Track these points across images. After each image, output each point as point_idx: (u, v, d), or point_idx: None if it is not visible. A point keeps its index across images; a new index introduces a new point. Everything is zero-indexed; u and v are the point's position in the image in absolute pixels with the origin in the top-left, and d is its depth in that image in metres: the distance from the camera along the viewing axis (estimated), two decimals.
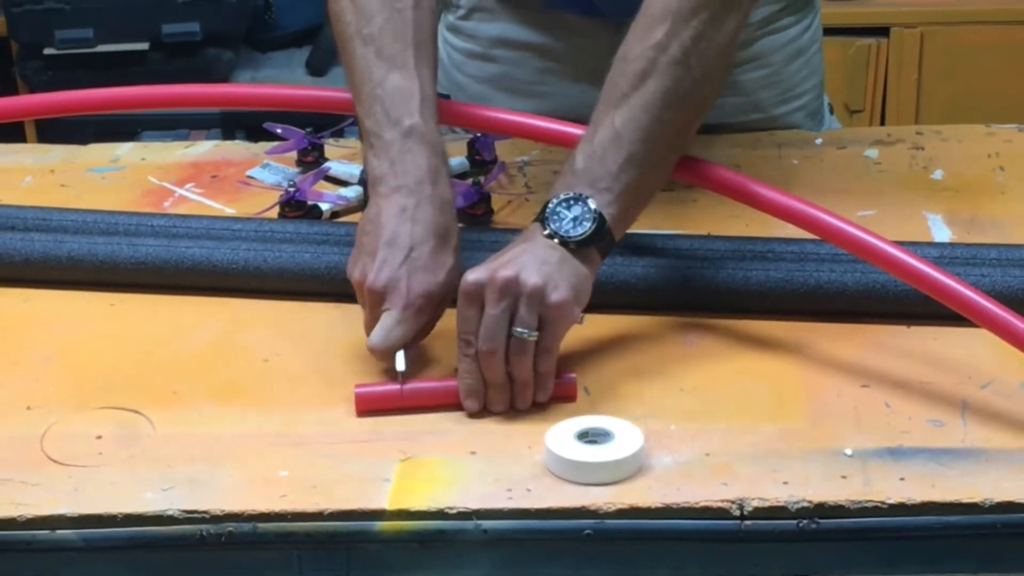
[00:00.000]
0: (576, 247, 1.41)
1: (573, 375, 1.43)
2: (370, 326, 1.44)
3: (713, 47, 1.47)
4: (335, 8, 1.59)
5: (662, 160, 1.48)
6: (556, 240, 1.41)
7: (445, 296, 1.45)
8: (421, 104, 1.50)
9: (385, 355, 1.43)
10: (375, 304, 1.44)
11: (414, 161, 1.47)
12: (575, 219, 1.41)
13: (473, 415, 1.40)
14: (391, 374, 1.43)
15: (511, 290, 1.37)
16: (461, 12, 1.94)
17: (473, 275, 1.39)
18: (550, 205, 1.42)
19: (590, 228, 1.41)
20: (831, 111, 2.06)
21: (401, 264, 1.43)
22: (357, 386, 1.42)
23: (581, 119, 1.55)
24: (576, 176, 1.44)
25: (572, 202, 1.42)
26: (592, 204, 1.41)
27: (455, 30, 1.95)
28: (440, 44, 1.89)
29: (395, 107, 1.50)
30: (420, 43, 1.54)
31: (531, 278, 1.38)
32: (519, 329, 1.37)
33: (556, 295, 1.38)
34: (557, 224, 1.41)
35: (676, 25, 1.46)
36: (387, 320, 1.42)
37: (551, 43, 1.90)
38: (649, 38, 1.46)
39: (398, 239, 1.44)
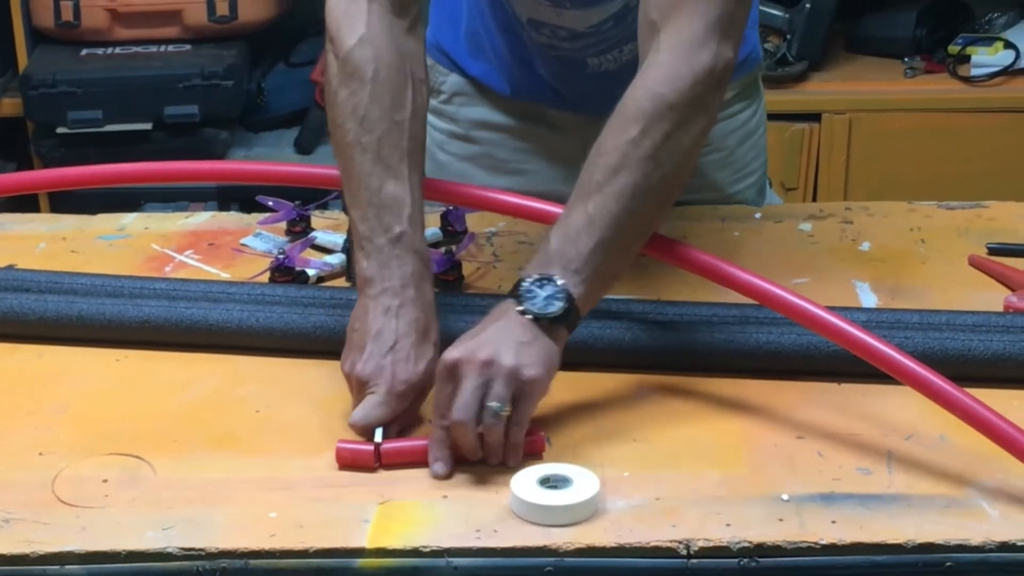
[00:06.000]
0: (548, 324, 1.39)
1: (543, 433, 1.42)
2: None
3: (681, 146, 1.45)
4: (336, 117, 1.53)
5: (629, 247, 1.46)
6: (529, 317, 1.39)
7: (425, 385, 1.43)
8: (411, 213, 1.49)
9: (364, 431, 1.42)
10: (361, 390, 1.43)
11: (400, 267, 1.46)
12: (547, 298, 1.39)
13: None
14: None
15: (488, 370, 1.36)
16: (443, 96, 1.93)
17: (453, 354, 1.38)
18: (524, 284, 1.40)
19: (561, 307, 1.39)
20: (770, 185, 2.06)
21: (385, 355, 1.42)
22: (340, 441, 1.41)
23: (555, 196, 1.54)
24: (549, 257, 1.42)
25: (544, 282, 1.40)
26: (562, 284, 1.39)
27: (438, 113, 1.93)
28: None
29: (387, 215, 1.48)
30: (413, 151, 1.52)
31: (507, 359, 1.36)
32: (494, 404, 1.35)
33: (530, 372, 1.36)
34: (531, 302, 1.39)
35: (648, 125, 1.43)
36: (368, 401, 1.41)
37: (526, 127, 1.90)
38: (624, 135, 1.43)
39: (383, 334, 1.43)
